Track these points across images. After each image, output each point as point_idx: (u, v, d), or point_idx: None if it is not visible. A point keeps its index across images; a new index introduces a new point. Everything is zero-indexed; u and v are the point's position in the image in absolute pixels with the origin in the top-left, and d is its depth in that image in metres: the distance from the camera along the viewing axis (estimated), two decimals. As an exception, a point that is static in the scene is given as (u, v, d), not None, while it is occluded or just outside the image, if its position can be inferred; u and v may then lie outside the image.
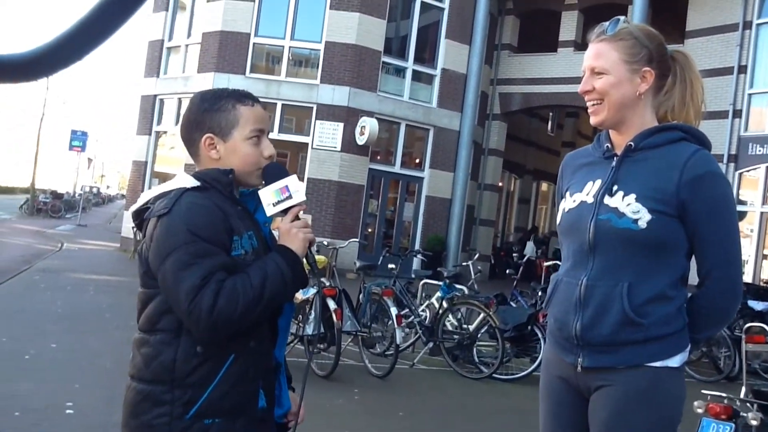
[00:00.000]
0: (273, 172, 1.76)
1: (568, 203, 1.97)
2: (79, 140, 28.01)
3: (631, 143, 1.89)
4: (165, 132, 17.51)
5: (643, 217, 1.80)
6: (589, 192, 1.92)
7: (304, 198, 1.74)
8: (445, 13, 16.84)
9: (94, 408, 4.69)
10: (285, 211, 1.73)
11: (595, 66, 1.90)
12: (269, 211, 1.73)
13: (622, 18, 1.95)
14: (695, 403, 3.58)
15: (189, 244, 1.64)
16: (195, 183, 1.72)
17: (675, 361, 1.81)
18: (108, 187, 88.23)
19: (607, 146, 1.96)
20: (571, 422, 1.94)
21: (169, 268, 1.63)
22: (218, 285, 1.62)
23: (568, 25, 18.33)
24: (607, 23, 1.93)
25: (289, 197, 1.72)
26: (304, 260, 1.77)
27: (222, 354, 1.69)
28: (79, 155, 30.33)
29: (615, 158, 1.92)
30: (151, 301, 1.71)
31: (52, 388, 5.01)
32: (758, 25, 15.40)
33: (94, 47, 0.58)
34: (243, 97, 1.79)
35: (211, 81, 15.54)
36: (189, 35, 16.99)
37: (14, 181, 62.28)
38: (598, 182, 1.91)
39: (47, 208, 31.72)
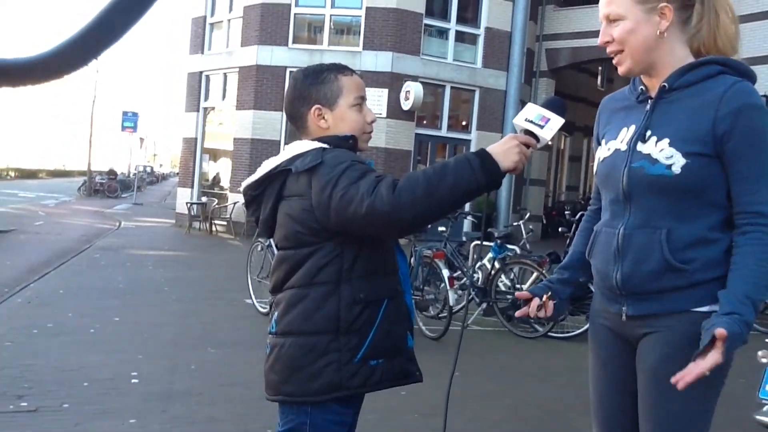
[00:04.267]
0: (555, 102, 1.82)
1: (603, 152, 1.91)
2: (130, 121, 28.60)
3: (665, 84, 1.79)
4: (213, 108, 17.70)
5: (677, 161, 1.71)
6: (623, 139, 1.84)
7: (548, 140, 1.77)
8: (487, -30, 16.45)
9: (158, 376, 4.84)
10: (527, 133, 1.76)
11: (609, 13, 1.80)
12: (517, 120, 1.77)
13: None
14: (759, 353, 3.48)
15: (354, 164, 1.75)
16: (325, 145, 1.83)
17: None
18: (161, 165, 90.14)
19: (641, 89, 1.87)
20: (620, 370, 1.91)
21: (342, 185, 1.70)
22: (394, 177, 1.71)
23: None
24: None
25: (541, 127, 1.75)
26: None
27: (378, 298, 1.81)
28: (132, 135, 30.98)
29: (649, 102, 1.83)
30: (309, 258, 1.81)
31: (117, 360, 5.18)
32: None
33: (102, 50, 0.58)
34: (342, 68, 1.93)
35: (254, 54, 15.61)
36: (231, 9, 17.04)
37: (71, 164, 64.18)
38: (632, 128, 1.83)
39: (104, 188, 32.66)
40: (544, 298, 1.97)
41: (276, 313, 1.87)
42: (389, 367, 1.84)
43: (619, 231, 1.81)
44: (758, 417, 3.50)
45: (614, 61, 1.84)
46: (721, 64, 1.78)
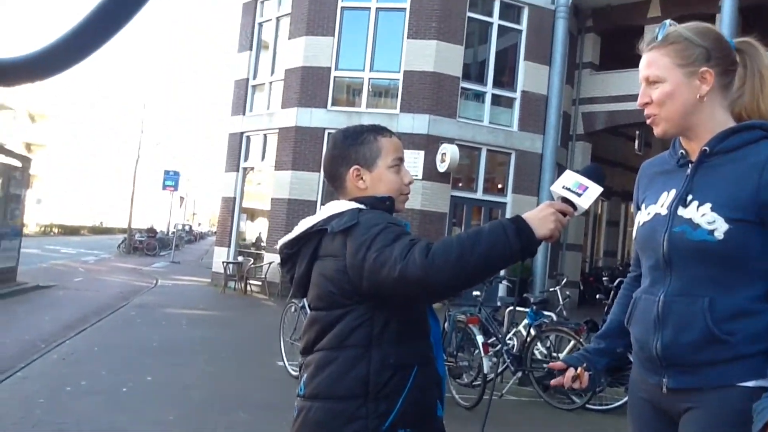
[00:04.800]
0: (593, 170, 1.81)
1: (643, 216, 1.87)
2: (171, 180, 29.26)
3: (706, 148, 1.75)
4: (252, 168, 18.03)
5: (720, 227, 1.66)
6: (663, 203, 1.80)
7: (585, 208, 1.75)
8: (523, 35, 16.70)
9: (186, 440, 4.79)
10: (563, 200, 1.75)
11: (649, 75, 1.78)
12: (555, 187, 1.77)
13: (668, 21, 1.83)
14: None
15: (389, 227, 1.74)
16: (361, 206, 1.84)
17: None
18: (199, 224, 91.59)
19: (682, 153, 1.83)
20: None
21: (376, 248, 1.69)
22: (429, 240, 1.69)
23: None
24: (656, 29, 1.81)
25: (579, 195, 1.74)
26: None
27: (408, 364, 1.77)
28: (172, 194, 31.62)
29: (689, 165, 1.79)
30: (341, 320, 1.79)
31: (147, 420, 5.15)
32: None
33: (95, 49, 0.57)
34: (381, 129, 1.96)
35: (294, 116, 15.94)
36: (272, 72, 17.52)
37: (112, 221, 65.59)
38: (673, 192, 1.79)
39: (143, 246, 33.19)
40: (579, 369, 1.91)
41: (305, 376, 1.84)
42: None
43: (660, 298, 1.75)
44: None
45: (649, 122, 1.82)
46: (764, 129, 1.74)
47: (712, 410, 1.67)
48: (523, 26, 16.67)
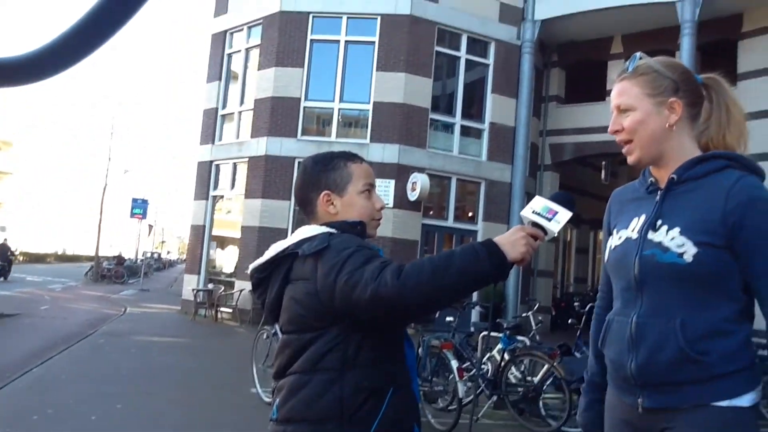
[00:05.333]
0: (563, 196, 1.84)
1: (614, 240, 1.93)
2: (139, 208, 28.95)
3: (674, 176, 1.83)
4: (221, 196, 17.95)
5: (689, 250, 1.72)
6: (634, 228, 1.87)
7: (555, 232, 1.78)
8: (490, 69, 17.03)
9: (160, 467, 4.71)
10: (534, 225, 1.78)
11: (620, 103, 1.86)
12: (525, 212, 1.80)
13: (638, 54, 1.92)
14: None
15: (362, 248, 1.75)
16: (332, 230, 1.84)
17: (745, 401, 1.70)
18: (168, 252, 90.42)
19: (651, 181, 1.91)
20: None
21: (348, 270, 1.69)
22: (400, 263, 1.69)
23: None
24: (627, 62, 1.91)
25: (549, 220, 1.77)
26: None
27: (383, 387, 1.76)
28: (140, 222, 31.24)
29: (659, 192, 1.87)
30: (313, 343, 1.77)
31: (119, 448, 5.06)
32: (814, 62, 15.09)
33: (92, 50, 0.57)
34: (351, 156, 1.97)
35: (264, 145, 15.97)
36: (242, 102, 17.56)
37: (80, 249, 64.44)
38: (643, 217, 1.86)
39: (111, 274, 32.64)
40: None
41: (278, 399, 1.82)
42: None
43: (632, 319, 1.80)
44: None
45: (624, 151, 1.88)
46: (728, 158, 1.82)
47: (687, 429, 1.71)
48: (490, 60, 17.01)
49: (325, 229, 1.84)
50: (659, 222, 1.81)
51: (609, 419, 1.96)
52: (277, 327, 6.93)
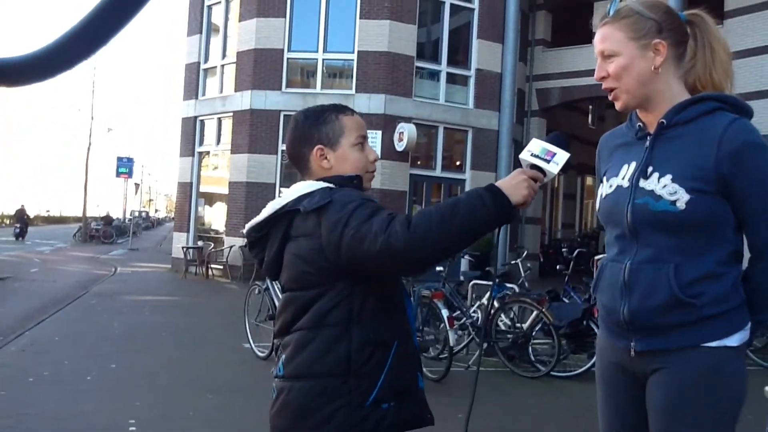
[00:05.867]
0: (559, 137, 1.84)
1: (605, 188, 1.91)
2: (125, 167, 28.72)
3: (663, 120, 1.80)
4: (207, 152, 17.80)
5: (681, 197, 1.72)
6: (624, 176, 1.85)
7: (555, 174, 1.78)
8: (475, 13, 16.76)
9: (156, 424, 4.77)
10: (533, 167, 1.78)
11: (604, 49, 1.83)
12: (524, 154, 1.79)
13: None
14: (766, 389, 3.45)
15: (365, 203, 1.74)
16: (330, 185, 1.82)
17: (733, 341, 1.73)
18: (156, 210, 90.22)
19: (639, 125, 1.88)
20: (629, 408, 1.88)
21: (354, 224, 1.69)
22: (407, 214, 1.70)
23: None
24: (608, 6, 1.86)
25: (547, 162, 1.77)
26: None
27: (388, 340, 1.78)
28: (127, 181, 31.04)
29: (648, 138, 1.84)
30: (318, 299, 1.78)
31: (113, 407, 5.11)
32: (801, -1, 14.93)
33: (95, 49, 0.57)
34: (342, 108, 1.93)
35: (249, 99, 15.76)
36: (224, 56, 17.26)
37: (67, 210, 64.13)
38: (633, 164, 1.84)
39: (99, 234, 32.59)
40: None
41: (284, 356, 1.82)
42: (401, 410, 1.79)
43: (626, 266, 1.80)
44: (767, 453, 3.45)
45: (610, 97, 1.85)
46: (718, 100, 1.79)
47: (677, 370, 1.74)
48: (475, 4, 16.71)
49: (322, 184, 1.82)
50: (650, 169, 1.79)
51: (600, 362, 1.98)
52: (269, 282, 6.97)
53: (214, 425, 4.79)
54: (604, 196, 1.91)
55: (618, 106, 1.85)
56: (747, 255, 1.81)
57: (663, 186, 1.75)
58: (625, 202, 1.81)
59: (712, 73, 1.84)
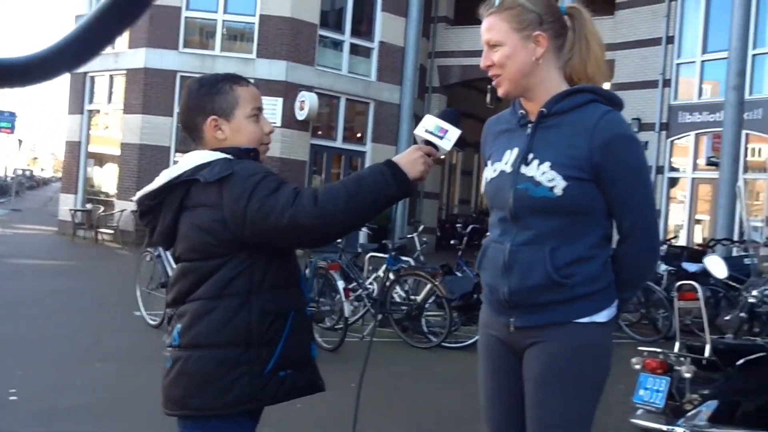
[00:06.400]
0: (450, 113, 1.91)
1: (489, 172, 2.02)
2: (7, 121, 26.94)
3: (543, 109, 1.93)
4: (98, 111, 16.98)
5: (558, 184, 1.85)
6: (507, 161, 1.96)
7: (448, 150, 1.87)
8: (381, -15, 16.74)
9: (40, 393, 4.60)
10: (427, 143, 1.84)
11: (490, 39, 1.92)
12: (419, 131, 1.85)
13: None
14: (633, 360, 3.74)
15: (269, 175, 1.76)
16: (229, 156, 1.81)
17: (602, 317, 1.90)
18: (42, 170, 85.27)
19: (522, 113, 1.99)
20: (508, 378, 2.03)
21: (260, 197, 1.70)
22: (312, 188, 1.74)
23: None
24: None
25: (441, 138, 1.84)
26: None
27: (286, 310, 1.83)
28: (9, 137, 29.14)
29: (529, 126, 1.96)
30: (219, 269, 1.78)
31: (-6, 377, 4.89)
32: (684, -4, 15.84)
33: (97, 51, 0.58)
34: (238, 78, 1.92)
35: (143, 57, 15.12)
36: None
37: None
38: (516, 150, 1.95)
39: (-24, 193, 30.49)
40: None
41: (179, 326, 1.82)
42: (297, 377, 1.86)
43: (507, 247, 1.92)
44: (633, 420, 3.76)
45: (494, 83, 1.96)
46: (593, 92, 1.93)
47: (551, 344, 1.90)
48: (381, -24, 16.68)
49: (220, 155, 1.81)
50: (531, 156, 1.91)
51: (482, 335, 2.12)
52: (161, 249, 6.80)
53: (103, 394, 4.69)
54: (488, 180, 2.02)
55: (500, 92, 1.96)
56: (616, 238, 1.99)
57: (542, 173, 1.87)
58: (508, 187, 1.92)
59: (587, 65, 1.97)
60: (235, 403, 1.78)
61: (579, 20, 1.97)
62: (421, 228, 8.89)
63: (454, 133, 1.85)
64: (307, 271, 6.98)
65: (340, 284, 6.58)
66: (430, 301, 7.05)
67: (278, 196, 1.70)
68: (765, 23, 14.31)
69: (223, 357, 1.77)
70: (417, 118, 17.74)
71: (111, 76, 16.27)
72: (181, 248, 1.86)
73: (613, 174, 1.85)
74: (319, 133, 16.30)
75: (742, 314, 4.81)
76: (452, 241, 10.01)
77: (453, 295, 6.78)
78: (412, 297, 7.22)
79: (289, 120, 15.12)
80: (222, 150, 1.83)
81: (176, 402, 1.83)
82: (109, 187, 16.60)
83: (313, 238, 1.79)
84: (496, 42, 1.90)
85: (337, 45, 16.50)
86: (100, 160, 17.14)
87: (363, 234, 13.05)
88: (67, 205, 16.72)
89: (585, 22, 1.97)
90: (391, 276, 7.20)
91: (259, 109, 1.93)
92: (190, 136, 1.93)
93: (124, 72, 15.61)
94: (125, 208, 14.86)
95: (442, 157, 1.90)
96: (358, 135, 17.11)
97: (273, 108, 15.02)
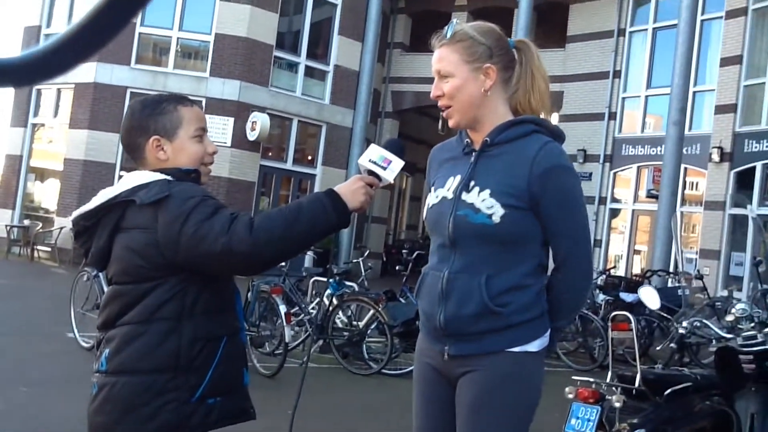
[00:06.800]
0: (396, 144, 1.91)
1: (431, 198, 2.04)
2: (-55, 131, 26.03)
3: (487, 139, 1.96)
4: (43, 124, 16.56)
5: (497, 212, 1.87)
6: (449, 188, 1.99)
7: (390, 181, 1.86)
8: (338, 9, 16.87)
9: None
10: (370, 173, 1.83)
11: (441, 69, 1.95)
12: (362, 160, 1.85)
13: (455, 20, 2.01)
14: (566, 389, 3.76)
15: (206, 200, 1.72)
16: (168, 177, 1.78)
17: (534, 346, 1.92)
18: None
19: (467, 142, 2.03)
20: (441, 406, 2.03)
21: (194, 221, 1.66)
22: (249, 215, 1.71)
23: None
24: (446, 28, 1.98)
25: (384, 169, 1.83)
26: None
27: (218, 336, 1.79)
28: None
29: (473, 154, 1.99)
30: (149, 293, 1.74)
31: None
32: (631, 32, 16.38)
33: (94, 50, 0.57)
34: (181, 99, 1.91)
35: (93, 71, 14.85)
36: (69, 21, 16.12)
37: None
38: (458, 178, 1.98)
39: None
40: None
41: (107, 351, 1.77)
42: (227, 405, 1.82)
43: (444, 274, 1.93)
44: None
45: (444, 114, 1.98)
46: (535, 123, 1.98)
47: (484, 373, 1.91)
48: (338, 0, 16.80)
49: (160, 176, 1.78)
50: (472, 183, 1.94)
51: (417, 363, 2.13)
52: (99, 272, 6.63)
53: (27, 421, 4.50)
54: (430, 206, 2.03)
55: (451, 123, 1.99)
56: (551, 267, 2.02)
57: (482, 200, 1.90)
58: (448, 213, 1.94)
59: (531, 98, 2.00)
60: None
61: (526, 54, 2.01)
62: (366, 253, 8.90)
63: (398, 164, 1.85)
64: (249, 295, 6.88)
65: (282, 308, 6.49)
66: (372, 327, 7.02)
67: (213, 222, 1.67)
68: (706, 62, 14.90)
69: (149, 383, 1.72)
70: (368, 143, 17.77)
71: (59, 90, 15.93)
72: (113, 270, 1.81)
73: (549, 202, 1.88)
74: (270, 154, 16.21)
75: (672, 345, 4.92)
76: (397, 267, 10.04)
77: (395, 321, 6.76)
78: (355, 323, 7.17)
79: (239, 140, 15.01)
80: (162, 171, 1.81)
81: (100, 429, 1.78)
82: (50, 204, 16.15)
83: (247, 266, 1.77)
84: (447, 73, 1.93)
85: (292, 67, 16.51)
86: (41, 175, 16.69)
87: (308, 257, 12.97)
88: (4, 220, 16.18)
89: (532, 56, 2.01)
90: (335, 301, 7.15)
91: (203, 129, 1.91)
92: (131, 156, 1.91)
93: (73, 86, 15.30)
94: (65, 225, 14.44)
95: (391, 182, 1.90)
96: (309, 157, 17.08)
97: (224, 127, 14.90)
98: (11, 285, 11.34)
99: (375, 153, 1.86)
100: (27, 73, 0.57)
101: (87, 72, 14.90)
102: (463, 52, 1.92)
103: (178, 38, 15.46)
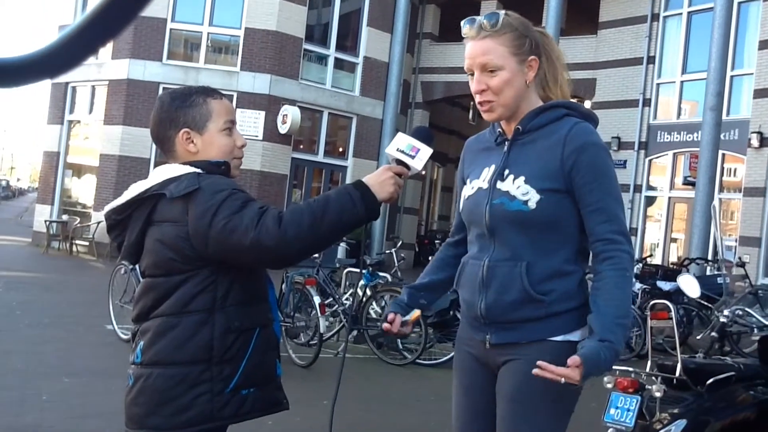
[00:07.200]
0: (423, 132, 1.89)
1: (467, 190, 2.03)
2: (-16, 130, 26.65)
3: (519, 127, 1.94)
4: (78, 121, 16.85)
5: (533, 198, 1.85)
6: (485, 178, 1.97)
7: (419, 169, 1.83)
8: (367, 0, 16.83)
9: (4, 408, 4.50)
10: (398, 162, 1.81)
11: (487, 63, 1.88)
12: (390, 149, 1.82)
13: (503, 12, 1.95)
14: (605, 379, 3.72)
15: (236, 193, 1.73)
16: (198, 170, 1.79)
17: (576, 336, 1.89)
18: (18, 179, 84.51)
19: (499, 131, 2.01)
20: (481, 395, 2.02)
21: (224, 215, 1.68)
22: (278, 209, 1.71)
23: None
24: (482, 19, 1.91)
25: (412, 157, 1.81)
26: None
27: (250, 327, 1.80)
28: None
29: (506, 143, 1.97)
30: (182, 285, 1.76)
31: (-43, 391, 4.78)
32: (665, 17, 16.07)
33: (96, 48, 0.56)
34: (211, 91, 1.90)
35: (126, 68, 15.05)
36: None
37: None
38: (493, 167, 1.97)
39: (-49, 201, 30.10)
40: (392, 314, 2.03)
41: (142, 343, 1.80)
42: (260, 396, 1.83)
43: (484, 263, 1.92)
44: (603, 440, 3.74)
45: (484, 109, 1.92)
46: (566, 107, 1.95)
47: (526, 361, 1.87)
48: (367, -8, 16.77)
49: (190, 169, 1.79)
50: (506, 171, 1.92)
51: (458, 352, 2.12)
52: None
53: (69, 411, 4.59)
54: (466, 197, 2.02)
55: (491, 117, 1.94)
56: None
57: (517, 187, 1.88)
58: (484, 203, 1.93)
59: (556, 86, 1.99)
60: (195, 422, 1.75)
61: (547, 44, 1.98)
62: (399, 243, 8.89)
63: (426, 152, 1.83)
64: (283, 286, 6.92)
65: (316, 299, 6.53)
66: (407, 317, 7.00)
67: (243, 216, 1.67)
68: (743, 45, 14.55)
69: (184, 375, 1.74)
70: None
71: (93, 87, 16.18)
72: (145, 263, 1.83)
73: (584, 181, 1.84)
74: (301, 147, 16.28)
75: (713, 333, 4.82)
76: (430, 258, 10.01)
77: (429, 311, 6.74)
78: (389, 313, 7.17)
79: (270, 133, 15.09)
80: (192, 164, 1.81)
81: (136, 420, 1.80)
82: (87, 199, 16.44)
83: (276, 259, 1.75)
84: (495, 66, 1.87)
85: (321, 59, 16.53)
86: (78, 170, 16.99)
87: (341, 248, 13.02)
88: (43, 216, 16.53)
89: (552, 45, 2.00)
90: (368, 292, 7.16)
91: (233, 122, 1.91)
92: (161, 148, 1.92)
93: (107, 83, 15.53)
94: (101, 220, 14.65)
95: (424, 172, 1.87)
96: (340, 149, 17.11)
97: (255, 121, 15.00)
98: (52, 278, 11.58)
99: (402, 142, 1.84)
100: (27, 73, 0.56)
101: (120, 69, 15.12)
102: (510, 44, 1.88)
103: (208, 33, 15.58)
